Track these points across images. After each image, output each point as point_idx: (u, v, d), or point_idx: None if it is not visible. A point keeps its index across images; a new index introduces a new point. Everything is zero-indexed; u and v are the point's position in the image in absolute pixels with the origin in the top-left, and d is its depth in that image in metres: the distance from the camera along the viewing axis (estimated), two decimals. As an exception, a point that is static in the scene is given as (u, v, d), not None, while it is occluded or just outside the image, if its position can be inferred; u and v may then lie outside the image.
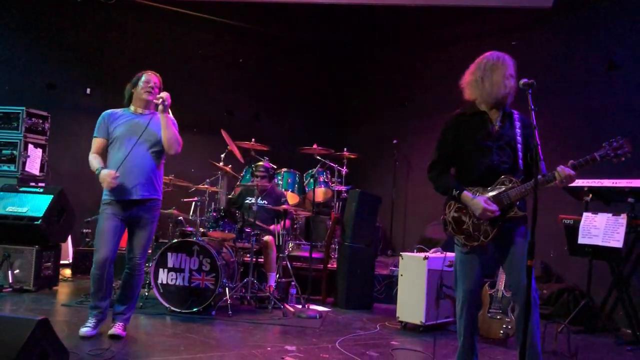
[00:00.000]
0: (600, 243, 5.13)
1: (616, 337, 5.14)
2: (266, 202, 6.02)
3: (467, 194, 3.15)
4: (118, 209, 4.00)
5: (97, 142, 4.08)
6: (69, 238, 7.44)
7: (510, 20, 7.18)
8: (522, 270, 3.01)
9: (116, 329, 4.10)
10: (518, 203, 3.13)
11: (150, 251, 5.27)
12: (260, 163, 6.32)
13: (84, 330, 4.01)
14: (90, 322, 4.07)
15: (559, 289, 5.92)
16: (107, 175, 3.87)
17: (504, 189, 3.12)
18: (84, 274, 6.71)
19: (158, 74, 4.21)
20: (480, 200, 3.09)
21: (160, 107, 4.02)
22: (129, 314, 4.21)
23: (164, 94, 4.03)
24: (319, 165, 6.62)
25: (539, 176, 2.95)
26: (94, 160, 4.01)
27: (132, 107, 4.17)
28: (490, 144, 3.17)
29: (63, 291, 5.88)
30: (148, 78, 4.13)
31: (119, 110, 4.17)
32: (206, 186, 6.05)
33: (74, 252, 7.07)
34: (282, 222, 5.85)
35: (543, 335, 4.44)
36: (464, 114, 3.30)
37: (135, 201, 4.01)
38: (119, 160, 3.95)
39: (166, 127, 4.01)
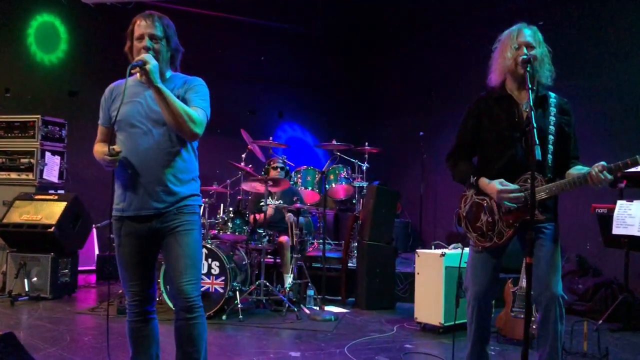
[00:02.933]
0: (636, 233, 4.75)
1: (658, 334, 4.72)
2: (281, 202, 5.84)
3: (484, 179, 2.83)
4: (133, 225, 2.67)
5: (99, 131, 2.85)
6: (95, 244, 7.49)
7: (535, 0, 6.78)
8: (546, 276, 2.72)
9: None
10: (548, 202, 2.77)
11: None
12: (276, 158, 6.18)
13: None
14: None
15: (596, 284, 5.51)
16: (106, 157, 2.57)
17: (526, 186, 2.70)
18: (106, 280, 6.73)
19: (156, 14, 2.72)
20: (496, 183, 2.75)
21: (142, 77, 2.59)
22: None
23: (144, 56, 2.54)
24: (329, 160, 6.39)
25: (578, 172, 2.68)
26: (99, 150, 2.72)
27: (137, 74, 2.69)
28: (515, 134, 2.80)
29: (81, 298, 5.87)
30: (140, 31, 2.64)
31: (124, 82, 2.65)
32: (214, 187, 5.92)
33: (97, 257, 7.07)
34: (296, 221, 5.65)
35: (572, 335, 4.12)
36: (489, 97, 2.93)
37: (150, 216, 2.66)
38: (124, 156, 2.63)
39: (161, 102, 2.54)
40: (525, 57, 2.72)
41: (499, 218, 2.83)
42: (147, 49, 2.61)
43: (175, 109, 2.54)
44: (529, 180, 2.70)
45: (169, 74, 2.77)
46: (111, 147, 2.53)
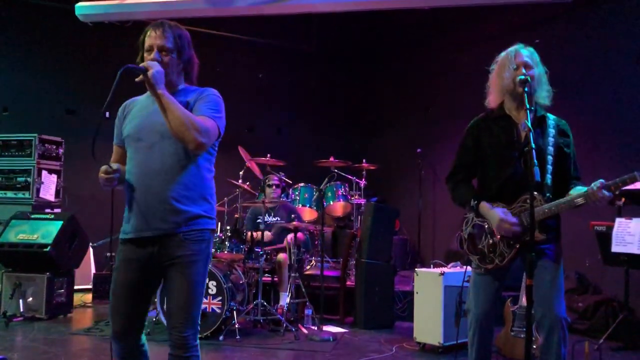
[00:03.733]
0: (635, 251, 4.71)
1: (660, 354, 4.68)
2: (278, 219, 5.81)
3: (485, 204, 2.82)
4: (134, 250, 2.46)
5: (114, 150, 2.67)
6: (92, 262, 7.43)
7: (532, 17, 6.81)
8: (548, 298, 2.68)
9: None
10: (550, 222, 2.75)
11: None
12: (272, 175, 6.16)
13: None
14: None
15: (596, 302, 5.46)
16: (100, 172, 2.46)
17: (526, 206, 2.71)
18: (102, 299, 6.66)
19: (168, 23, 2.58)
20: (499, 211, 2.75)
21: (146, 82, 2.42)
22: None
23: (147, 62, 2.42)
24: (327, 179, 6.37)
25: (579, 190, 2.67)
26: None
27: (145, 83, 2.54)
28: (513, 154, 2.80)
29: (77, 318, 5.80)
30: (149, 42, 2.50)
31: (139, 98, 2.69)
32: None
33: (93, 276, 7.01)
34: (293, 239, 5.61)
35: (573, 355, 4.07)
36: (487, 118, 2.95)
37: (153, 239, 2.45)
38: (129, 173, 2.52)
39: (165, 109, 2.37)
40: (523, 77, 2.72)
41: (500, 240, 2.81)
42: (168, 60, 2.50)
43: (178, 115, 2.35)
44: (528, 201, 2.71)
45: (181, 86, 2.63)
46: (105, 164, 2.38)
